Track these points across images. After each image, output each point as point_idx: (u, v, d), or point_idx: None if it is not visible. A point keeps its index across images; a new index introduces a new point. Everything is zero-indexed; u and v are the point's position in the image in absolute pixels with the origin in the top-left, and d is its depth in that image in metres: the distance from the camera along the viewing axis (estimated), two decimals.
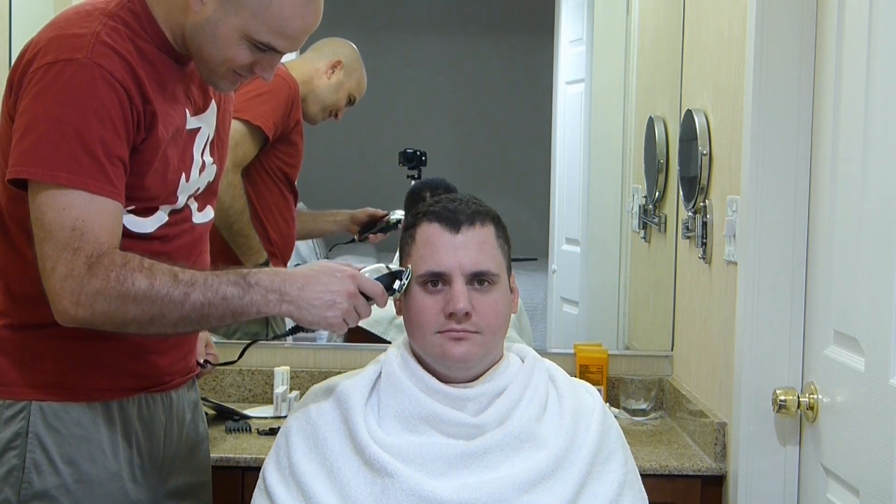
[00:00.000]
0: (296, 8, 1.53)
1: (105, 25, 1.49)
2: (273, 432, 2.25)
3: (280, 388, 2.43)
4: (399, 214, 2.90)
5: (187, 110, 1.62)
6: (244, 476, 2.11)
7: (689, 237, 2.45)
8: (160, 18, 1.57)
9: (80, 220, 1.43)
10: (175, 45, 1.59)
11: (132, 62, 1.50)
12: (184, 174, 1.61)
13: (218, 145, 1.73)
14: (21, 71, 1.50)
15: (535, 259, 3.25)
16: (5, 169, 1.49)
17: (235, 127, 2.18)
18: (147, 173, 1.53)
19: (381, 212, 2.91)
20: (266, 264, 2.58)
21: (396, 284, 1.56)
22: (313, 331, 1.58)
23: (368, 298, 1.53)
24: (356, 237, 2.92)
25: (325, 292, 1.50)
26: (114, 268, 1.43)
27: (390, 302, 1.62)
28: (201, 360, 1.82)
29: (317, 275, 1.51)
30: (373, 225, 2.90)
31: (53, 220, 1.43)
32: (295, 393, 2.47)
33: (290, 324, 1.58)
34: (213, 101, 1.70)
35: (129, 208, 1.53)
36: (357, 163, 3.30)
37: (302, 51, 2.72)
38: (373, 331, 2.74)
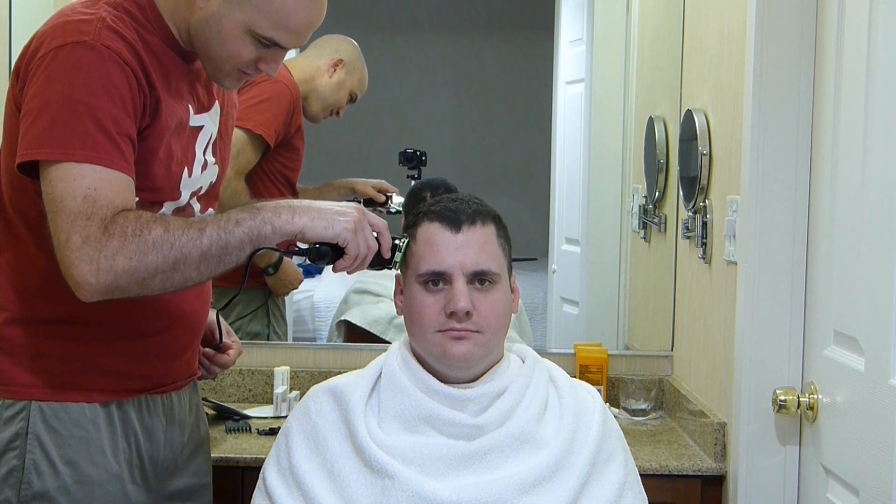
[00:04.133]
0: (299, 2, 1.53)
1: (110, 13, 1.51)
2: (273, 432, 2.25)
3: (280, 388, 2.43)
4: (399, 201, 2.91)
5: (191, 107, 1.62)
6: (244, 476, 2.11)
7: (689, 237, 2.45)
8: (166, 15, 1.58)
9: (92, 189, 1.42)
10: (181, 42, 1.59)
11: (137, 48, 1.51)
12: (186, 169, 1.61)
13: (220, 146, 1.73)
14: (28, 59, 1.50)
15: (535, 259, 3.25)
16: (10, 159, 1.50)
17: (237, 135, 2.19)
18: (153, 161, 1.54)
19: (381, 197, 2.91)
20: (279, 263, 2.60)
21: (398, 241, 1.59)
22: (324, 256, 1.54)
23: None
24: (361, 202, 2.92)
25: (333, 205, 1.54)
26: (129, 223, 1.43)
27: (390, 304, 1.61)
28: (222, 340, 1.81)
29: (321, 201, 1.56)
30: (373, 205, 2.91)
31: (64, 191, 1.42)
32: (295, 393, 2.47)
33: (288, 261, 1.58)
34: (216, 101, 1.70)
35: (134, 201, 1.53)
36: (357, 163, 3.30)
37: (303, 48, 2.72)
38: (372, 331, 2.74)
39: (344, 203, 1.56)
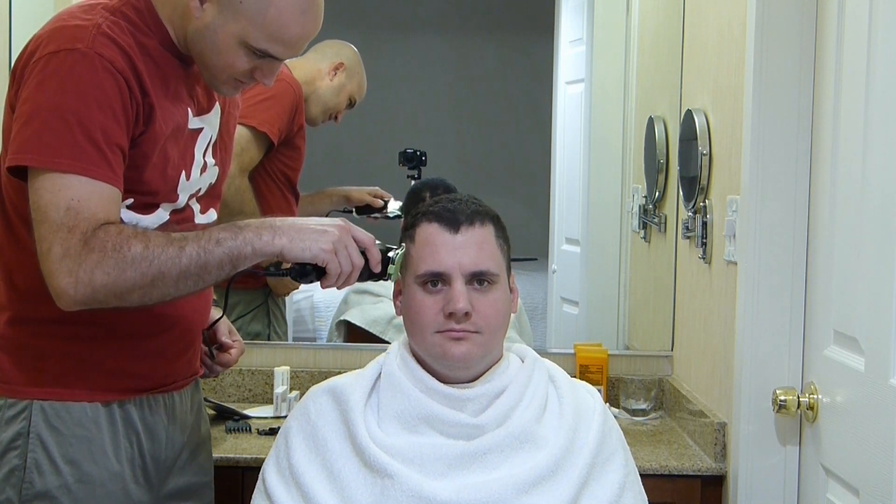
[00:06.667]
0: (293, 16, 1.53)
1: (106, 19, 1.51)
2: (273, 432, 2.25)
3: (280, 388, 2.43)
4: (396, 206, 2.90)
5: (190, 109, 1.62)
6: (244, 476, 2.12)
7: (689, 237, 2.45)
8: (165, 19, 1.58)
9: (76, 201, 1.43)
10: (179, 46, 1.59)
11: (132, 55, 1.50)
12: (184, 172, 1.61)
13: (221, 147, 1.73)
14: (24, 62, 1.51)
15: (535, 259, 3.25)
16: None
17: (241, 132, 2.18)
18: (146, 167, 1.54)
19: (378, 202, 2.91)
20: (280, 262, 2.60)
21: (391, 253, 1.57)
22: (307, 274, 1.53)
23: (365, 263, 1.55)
24: (353, 211, 2.92)
25: (316, 224, 1.53)
26: (109, 238, 1.43)
27: (390, 304, 1.61)
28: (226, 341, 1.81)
29: (307, 218, 1.55)
30: (369, 210, 2.91)
31: (49, 202, 1.43)
32: (295, 393, 2.47)
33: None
34: (216, 103, 1.70)
35: (128, 202, 1.53)
36: (357, 163, 3.30)
37: (303, 51, 2.72)
38: (372, 331, 2.74)
39: (328, 220, 1.54)
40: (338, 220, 1.55)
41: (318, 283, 1.55)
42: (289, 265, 1.55)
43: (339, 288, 1.56)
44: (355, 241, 1.54)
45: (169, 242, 1.46)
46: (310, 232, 1.51)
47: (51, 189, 1.43)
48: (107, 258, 1.42)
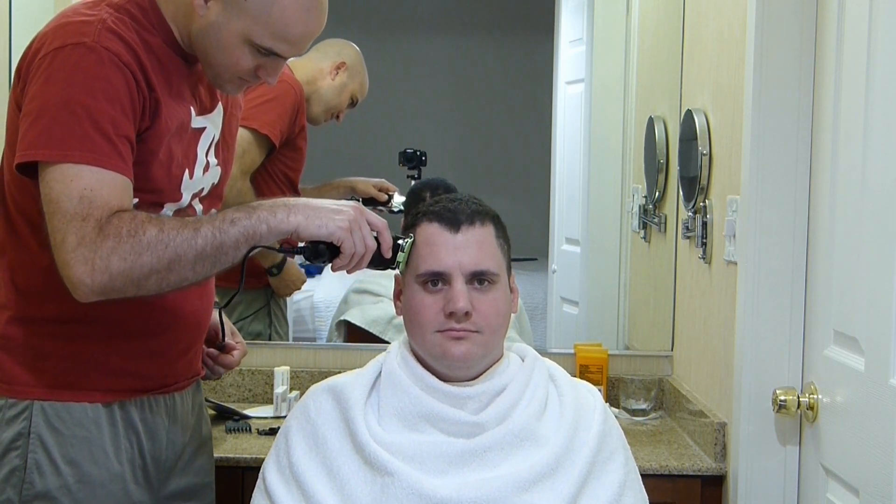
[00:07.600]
0: (297, 14, 1.53)
1: (111, 15, 1.51)
2: (273, 432, 2.25)
3: (280, 388, 2.43)
4: (400, 200, 2.91)
5: (192, 108, 1.62)
6: (244, 476, 2.12)
7: (689, 237, 2.45)
8: (168, 17, 1.58)
9: (89, 190, 1.43)
10: (183, 45, 1.60)
11: (137, 50, 1.51)
12: (187, 171, 1.62)
13: (223, 147, 1.73)
14: (29, 60, 1.51)
15: (535, 259, 3.25)
16: (13, 159, 1.50)
17: (242, 135, 2.19)
18: (153, 163, 1.54)
19: (383, 196, 2.92)
20: (283, 264, 2.60)
21: (401, 241, 1.57)
22: (321, 254, 1.53)
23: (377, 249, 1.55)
24: (359, 202, 2.93)
25: (331, 204, 1.53)
26: (124, 224, 1.43)
27: (390, 304, 1.60)
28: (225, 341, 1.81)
29: (319, 199, 1.55)
30: (374, 203, 2.91)
31: (61, 192, 1.43)
32: (295, 393, 2.47)
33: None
34: (219, 103, 1.70)
35: (134, 203, 1.53)
36: (357, 163, 3.30)
37: (306, 50, 2.72)
38: (371, 331, 2.74)
39: (342, 202, 1.55)
40: (351, 202, 1.55)
41: (330, 265, 1.55)
42: (302, 244, 1.55)
43: (349, 272, 1.56)
44: (369, 223, 1.54)
45: (183, 225, 1.46)
46: (326, 210, 1.51)
47: (62, 180, 1.43)
48: (122, 243, 1.42)
